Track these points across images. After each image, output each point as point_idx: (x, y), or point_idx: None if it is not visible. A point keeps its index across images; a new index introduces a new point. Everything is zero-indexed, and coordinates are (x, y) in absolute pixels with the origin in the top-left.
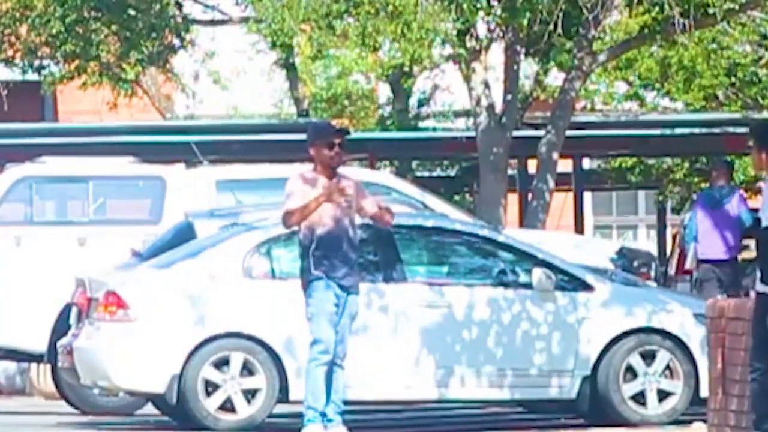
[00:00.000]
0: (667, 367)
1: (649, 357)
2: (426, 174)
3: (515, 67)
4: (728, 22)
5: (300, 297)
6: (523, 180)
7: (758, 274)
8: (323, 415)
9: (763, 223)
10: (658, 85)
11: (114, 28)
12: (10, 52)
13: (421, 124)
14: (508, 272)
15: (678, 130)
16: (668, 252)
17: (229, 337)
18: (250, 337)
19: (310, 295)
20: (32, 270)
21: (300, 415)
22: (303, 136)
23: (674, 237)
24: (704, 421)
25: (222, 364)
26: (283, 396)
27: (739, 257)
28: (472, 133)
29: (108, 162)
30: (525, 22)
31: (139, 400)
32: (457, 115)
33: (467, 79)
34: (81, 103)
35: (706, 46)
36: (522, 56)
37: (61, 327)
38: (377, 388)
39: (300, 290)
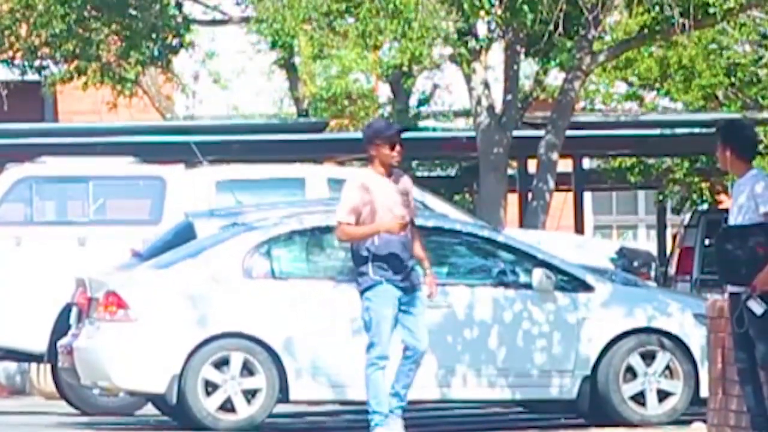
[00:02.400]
0: (667, 367)
1: (649, 357)
2: (426, 174)
3: (515, 67)
4: (728, 22)
5: (299, 297)
6: (523, 180)
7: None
8: (385, 415)
9: (730, 222)
10: (657, 85)
11: (114, 28)
12: (10, 53)
13: (421, 124)
14: (508, 272)
15: (678, 130)
16: (668, 252)
17: (229, 337)
18: (250, 338)
19: (368, 299)
20: (32, 270)
21: (300, 415)
22: (302, 136)
23: (674, 237)
24: (704, 421)
25: (222, 364)
26: (283, 396)
27: None
28: (472, 133)
29: (108, 162)
30: (528, 22)
31: (139, 401)
32: (457, 114)
33: (467, 78)
34: (81, 103)
35: (705, 46)
36: (522, 56)
37: (61, 327)
38: None
39: (300, 291)
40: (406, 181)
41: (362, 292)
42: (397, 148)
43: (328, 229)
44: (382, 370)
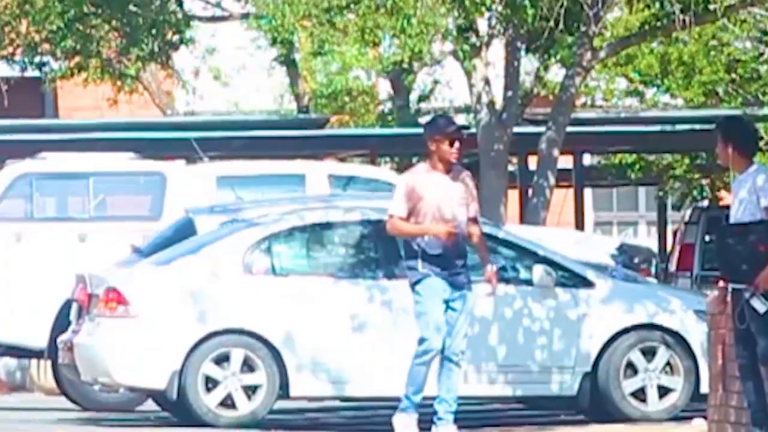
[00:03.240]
0: (668, 363)
1: (649, 353)
2: None
3: (516, 63)
4: (728, 19)
5: (300, 293)
6: (523, 176)
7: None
8: (416, 406)
9: (731, 216)
10: (658, 82)
11: (114, 24)
12: (10, 49)
13: (421, 120)
14: (509, 269)
15: (678, 127)
16: (669, 248)
17: (230, 333)
18: (250, 334)
19: (417, 293)
20: (33, 266)
21: (301, 411)
22: (303, 132)
23: (675, 233)
24: (704, 417)
25: (222, 360)
26: (284, 392)
27: None
28: (473, 130)
29: (108, 158)
30: (529, 18)
31: (139, 397)
32: (457, 111)
33: (468, 75)
34: (81, 100)
35: (706, 43)
36: (522, 52)
37: (61, 323)
38: (378, 385)
39: (300, 287)
40: (465, 178)
41: (412, 286)
42: (456, 144)
43: (328, 226)
44: (429, 363)
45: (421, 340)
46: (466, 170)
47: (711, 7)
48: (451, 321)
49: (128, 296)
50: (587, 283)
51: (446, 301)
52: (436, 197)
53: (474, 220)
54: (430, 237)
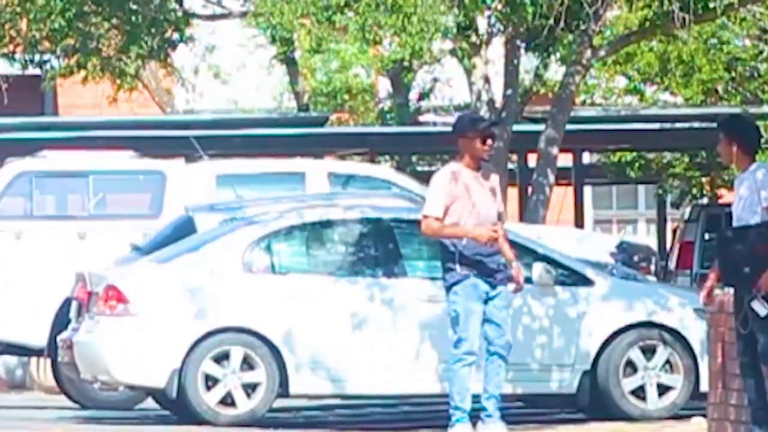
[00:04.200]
0: (667, 361)
1: (649, 351)
2: (426, 168)
3: (515, 61)
4: (728, 17)
5: (299, 292)
6: (523, 174)
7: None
8: (469, 413)
9: (733, 213)
10: (657, 80)
11: (114, 22)
12: (11, 47)
13: (421, 119)
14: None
15: (678, 125)
16: (668, 246)
17: (230, 331)
18: (250, 332)
19: (455, 293)
20: (33, 264)
21: (300, 409)
22: (302, 130)
23: (674, 231)
24: (704, 415)
25: (222, 358)
26: (284, 390)
27: None
28: None
29: (108, 156)
30: (529, 16)
31: (139, 395)
32: (457, 109)
33: (468, 73)
34: (81, 98)
35: (705, 41)
36: (522, 51)
37: (61, 321)
38: (378, 383)
39: (300, 286)
40: (494, 177)
41: (449, 288)
42: (488, 141)
43: (328, 224)
44: (470, 366)
45: (459, 342)
46: (494, 170)
47: (711, 5)
48: (495, 317)
49: (128, 294)
50: (587, 281)
51: (487, 300)
52: (470, 197)
53: (499, 217)
54: (469, 239)
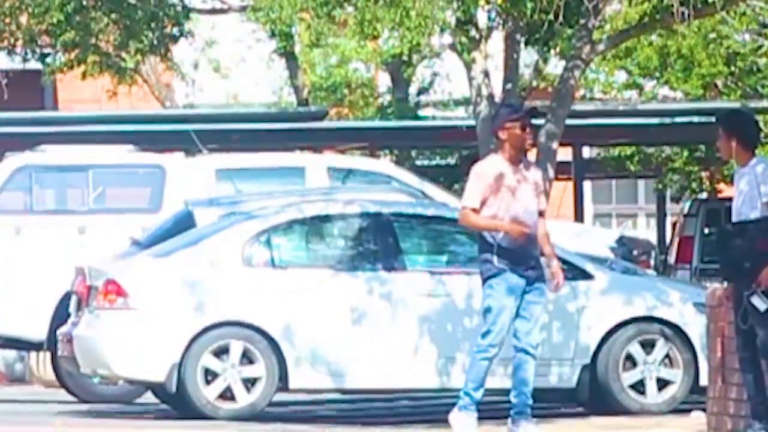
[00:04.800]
0: (667, 355)
1: (648, 346)
2: (426, 162)
3: (515, 56)
4: (727, 12)
5: (299, 286)
6: None
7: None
8: (477, 404)
9: (733, 212)
10: (657, 74)
11: (114, 17)
12: (11, 40)
13: (420, 113)
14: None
15: (677, 119)
16: (668, 240)
17: (229, 325)
18: (249, 326)
19: (491, 287)
20: (32, 259)
21: (300, 403)
22: (302, 125)
23: (674, 225)
24: (703, 410)
25: (222, 352)
26: (283, 384)
27: None
28: (472, 122)
29: (108, 150)
30: (528, 11)
31: (138, 389)
32: (457, 103)
33: (467, 67)
34: (81, 92)
35: (705, 36)
36: (522, 45)
37: (60, 315)
38: (377, 377)
39: (299, 280)
40: (534, 168)
41: (485, 280)
42: (528, 130)
43: (327, 218)
44: (491, 359)
45: (486, 333)
46: (534, 163)
47: (710, 0)
48: (527, 313)
49: (127, 288)
50: (586, 276)
51: (522, 294)
52: (510, 189)
53: (541, 214)
54: (504, 242)
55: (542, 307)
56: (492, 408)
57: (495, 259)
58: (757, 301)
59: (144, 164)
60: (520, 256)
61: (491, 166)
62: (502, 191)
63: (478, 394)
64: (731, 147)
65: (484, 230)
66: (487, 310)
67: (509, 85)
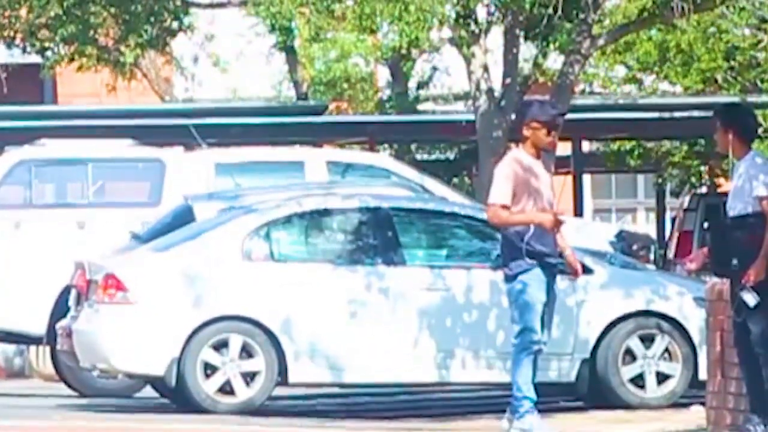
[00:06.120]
0: (666, 350)
1: (648, 340)
2: (425, 157)
3: (514, 50)
4: (727, 6)
5: (298, 280)
6: None
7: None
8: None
9: (727, 207)
10: (656, 69)
11: (113, 11)
12: (10, 33)
13: (420, 108)
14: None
15: (677, 114)
16: (667, 235)
17: (229, 319)
18: (249, 320)
19: (525, 282)
20: (32, 253)
21: (298, 398)
22: (301, 119)
23: (673, 220)
24: (702, 403)
25: (221, 346)
26: (282, 379)
27: None
28: (472, 117)
29: (107, 144)
30: (527, 5)
31: (138, 383)
32: (456, 98)
33: (467, 62)
34: (80, 86)
35: (704, 30)
36: (521, 39)
37: (60, 309)
38: (376, 371)
39: (299, 274)
40: (546, 163)
41: (515, 276)
42: (554, 133)
43: (327, 212)
44: (533, 355)
45: (526, 331)
46: (547, 159)
47: None
48: (548, 309)
49: (127, 283)
50: (586, 270)
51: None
52: (535, 184)
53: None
54: (536, 230)
55: (554, 304)
56: (491, 402)
57: (525, 255)
58: (747, 297)
59: (144, 158)
60: (548, 251)
61: (518, 161)
62: (530, 186)
63: (533, 394)
64: (728, 140)
65: (518, 225)
66: (523, 306)
67: (508, 80)
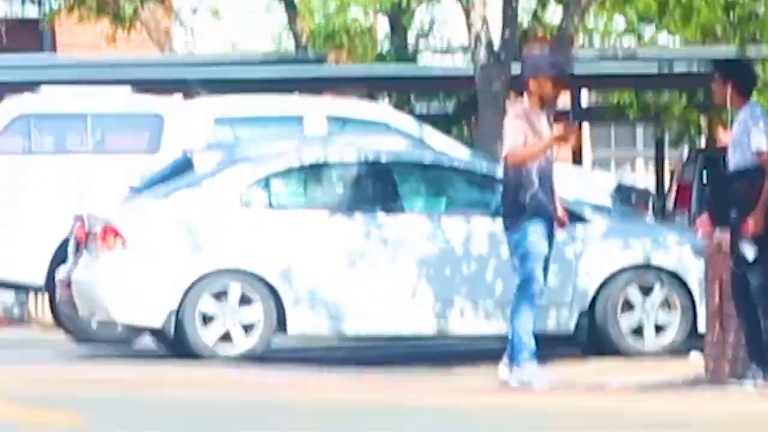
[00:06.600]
0: (665, 300)
1: (646, 290)
2: (425, 109)
3: (513, 2)
4: None
5: (297, 229)
6: None
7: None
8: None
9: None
10: (656, 21)
11: None
12: None
13: (419, 59)
14: None
15: (676, 65)
16: (666, 185)
17: (227, 268)
18: (247, 269)
19: (527, 231)
20: (32, 201)
21: (298, 350)
22: (300, 69)
23: (672, 172)
24: (701, 350)
25: (220, 296)
26: (281, 328)
27: None
28: (471, 70)
29: (107, 93)
30: None
31: (136, 332)
32: (455, 50)
33: (466, 14)
34: (80, 37)
35: None
36: None
37: (59, 258)
38: (375, 321)
39: (297, 222)
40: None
41: (519, 226)
42: (559, 88)
43: (326, 162)
44: (536, 305)
45: (531, 280)
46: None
47: None
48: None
49: (125, 233)
50: (584, 221)
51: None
52: (543, 131)
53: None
54: (537, 177)
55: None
56: (490, 350)
57: (528, 205)
58: (746, 249)
59: (142, 113)
60: (548, 199)
61: (522, 111)
62: (538, 133)
63: (533, 344)
64: (726, 92)
65: (538, 155)
66: (526, 256)
67: (508, 32)
